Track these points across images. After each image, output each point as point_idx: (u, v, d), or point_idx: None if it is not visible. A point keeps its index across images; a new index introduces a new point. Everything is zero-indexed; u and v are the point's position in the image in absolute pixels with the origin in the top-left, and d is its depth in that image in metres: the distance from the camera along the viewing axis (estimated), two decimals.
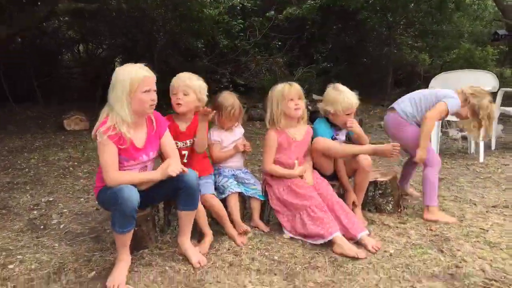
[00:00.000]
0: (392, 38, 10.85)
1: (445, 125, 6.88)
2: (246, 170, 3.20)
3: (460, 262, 2.44)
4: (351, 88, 3.09)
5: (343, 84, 3.10)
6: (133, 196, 2.21)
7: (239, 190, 2.97)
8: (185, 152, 2.88)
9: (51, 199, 3.60)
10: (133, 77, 2.33)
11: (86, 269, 2.41)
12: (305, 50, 10.87)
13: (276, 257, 2.55)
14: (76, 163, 4.90)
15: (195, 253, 2.51)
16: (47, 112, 7.98)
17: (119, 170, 2.34)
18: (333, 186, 3.08)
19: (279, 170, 2.98)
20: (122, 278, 2.26)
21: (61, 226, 3.03)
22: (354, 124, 3.04)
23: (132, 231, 2.32)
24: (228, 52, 9.72)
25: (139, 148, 2.45)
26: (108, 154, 2.29)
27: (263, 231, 2.94)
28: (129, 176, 2.35)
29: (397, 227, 2.98)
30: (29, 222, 3.09)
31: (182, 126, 2.86)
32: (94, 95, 7.97)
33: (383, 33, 11.41)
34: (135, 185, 2.29)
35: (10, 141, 6.04)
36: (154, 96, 2.39)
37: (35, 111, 7.96)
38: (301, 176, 2.95)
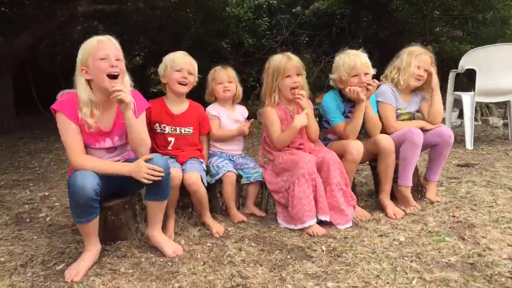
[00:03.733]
0: (428, 28, 10.18)
1: (486, 113, 6.32)
2: (244, 155, 2.93)
3: (484, 251, 2.03)
4: None
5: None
6: (87, 184, 1.92)
7: (235, 172, 2.67)
8: (171, 139, 2.62)
9: (47, 193, 3.43)
10: (85, 47, 2.08)
11: (57, 261, 2.18)
12: (335, 46, 10.44)
13: (266, 247, 2.23)
14: None
15: (169, 244, 2.23)
16: None
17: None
18: None
19: (285, 134, 2.59)
20: (81, 268, 2.02)
21: (47, 219, 2.84)
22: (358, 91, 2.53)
23: (95, 221, 2.07)
24: (254, 51, 9.47)
25: (105, 131, 2.19)
26: (69, 135, 2.06)
27: (260, 216, 2.68)
28: (93, 163, 2.06)
29: (413, 214, 2.59)
30: (16, 216, 2.92)
31: (176, 109, 2.63)
32: None
33: (418, 23, 10.76)
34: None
35: (33, 143, 6.02)
36: (115, 63, 2.07)
37: None
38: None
